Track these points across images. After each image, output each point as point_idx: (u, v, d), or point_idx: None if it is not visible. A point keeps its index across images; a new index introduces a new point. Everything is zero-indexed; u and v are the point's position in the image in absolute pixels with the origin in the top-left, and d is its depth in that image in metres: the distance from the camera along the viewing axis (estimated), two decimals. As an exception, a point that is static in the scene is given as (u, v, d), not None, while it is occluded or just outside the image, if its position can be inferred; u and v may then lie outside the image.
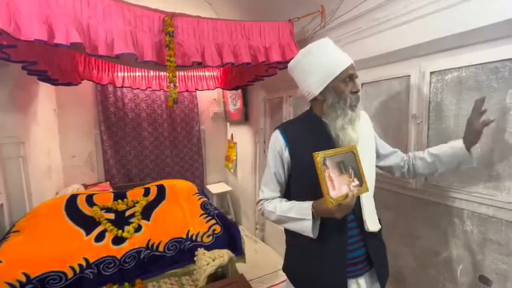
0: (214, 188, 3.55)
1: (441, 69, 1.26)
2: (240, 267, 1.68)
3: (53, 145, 2.68)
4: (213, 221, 1.92)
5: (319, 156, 0.81)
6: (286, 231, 1.06)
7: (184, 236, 1.79)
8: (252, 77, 2.22)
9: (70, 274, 1.46)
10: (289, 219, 0.96)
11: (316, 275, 0.96)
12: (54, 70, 1.81)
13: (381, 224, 1.04)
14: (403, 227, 1.47)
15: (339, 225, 0.92)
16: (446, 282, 1.29)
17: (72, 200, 1.94)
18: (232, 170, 3.52)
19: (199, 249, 1.66)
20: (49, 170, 2.43)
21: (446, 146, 1.05)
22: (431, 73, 1.30)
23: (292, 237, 1.04)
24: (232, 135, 3.57)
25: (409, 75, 1.39)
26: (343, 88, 0.93)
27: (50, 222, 1.73)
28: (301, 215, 0.92)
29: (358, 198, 0.94)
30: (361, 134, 0.98)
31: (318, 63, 0.95)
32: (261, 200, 1.07)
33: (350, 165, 0.86)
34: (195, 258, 1.62)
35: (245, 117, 3.11)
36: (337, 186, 0.82)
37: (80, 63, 2.29)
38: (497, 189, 1.10)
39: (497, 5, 0.97)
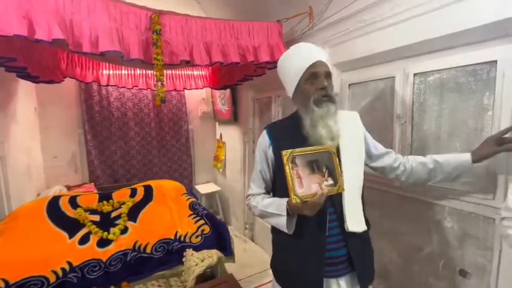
0: (203, 188, 3.52)
1: (424, 71, 1.31)
2: (229, 267, 1.67)
3: (34, 145, 2.57)
4: (202, 221, 1.91)
5: (287, 154, 0.83)
6: (271, 228, 1.08)
7: (172, 237, 1.77)
8: (240, 76, 2.22)
9: (52, 279, 1.41)
10: (269, 214, 0.99)
11: (295, 272, 0.98)
12: (35, 67, 1.74)
13: (369, 227, 1.02)
14: (388, 224, 1.51)
15: (319, 223, 0.93)
16: (429, 276, 1.33)
17: (54, 201, 1.87)
18: (221, 170, 3.51)
19: (187, 250, 1.64)
20: (28, 170, 2.33)
21: (451, 157, 1.04)
22: (414, 75, 1.34)
23: (275, 234, 1.08)
24: (221, 134, 3.55)
25: (393, 77, 1.43)
26: (308, 88, 0.96)
27: (31, 225, 1.66)
28: (277, 211, 0.95)
29: (340, 197, 0.94)
30: (346, 133, 0.99)
31: (293, 66, 0.99)
32: (249, 195, 1.12)
33: (325, 165, 0.87)
34: (184, 259, 1.60)
35: (234, 117, 3.10)
36: (305, 185, 0.83)
37: (63, 60, 2.21)
38: (474, 186, 1.15)
39: (478, 9, 1.02)
